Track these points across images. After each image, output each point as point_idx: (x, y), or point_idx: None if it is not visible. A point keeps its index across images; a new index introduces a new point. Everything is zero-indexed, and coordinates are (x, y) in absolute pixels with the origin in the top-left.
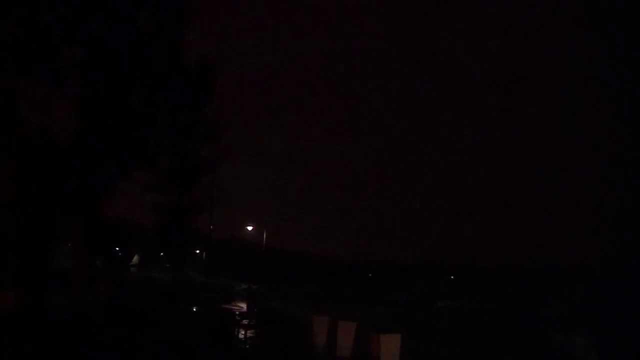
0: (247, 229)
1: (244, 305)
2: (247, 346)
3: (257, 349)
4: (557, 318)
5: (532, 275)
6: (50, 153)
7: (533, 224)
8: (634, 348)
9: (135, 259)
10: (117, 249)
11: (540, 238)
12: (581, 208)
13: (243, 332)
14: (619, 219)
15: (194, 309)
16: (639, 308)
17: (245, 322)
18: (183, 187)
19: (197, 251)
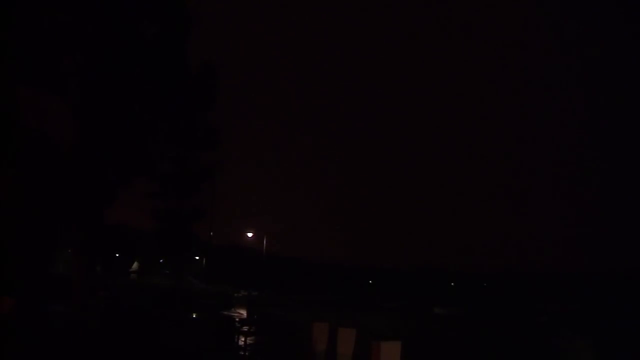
0: (247, 236)
1: (243, 312)
2: (247, 353)
3: (257, 355)
4: (557, 324)
5: (532, 281)
6: (50, 159)
7: (532, 230)
8: (633, 353)
9: (135, 265)
10: (117, 255)
11: (540, 244)
12: (580, 213)
13: (243, 339)
14: (616, 224)
15: (194, 316)
16: (638, 312)
17: (245, 328)
18: (183, 193)
19: (197, 258)
